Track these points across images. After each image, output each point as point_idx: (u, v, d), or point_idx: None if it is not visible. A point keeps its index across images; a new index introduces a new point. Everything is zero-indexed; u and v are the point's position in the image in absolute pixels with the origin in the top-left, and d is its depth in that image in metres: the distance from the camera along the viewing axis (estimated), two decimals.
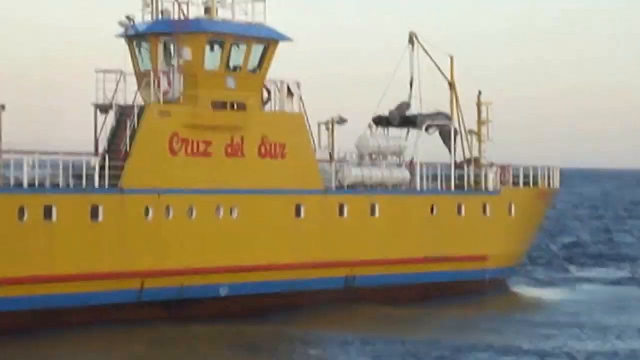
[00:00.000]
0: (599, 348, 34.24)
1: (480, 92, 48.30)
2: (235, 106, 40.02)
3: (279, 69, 40.01)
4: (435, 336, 34.20)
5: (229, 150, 39.73)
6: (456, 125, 47.36)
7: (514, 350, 33.39)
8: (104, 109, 37.87)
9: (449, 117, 47.33)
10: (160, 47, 39.65)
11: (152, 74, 37.86)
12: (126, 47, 38.56)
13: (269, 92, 42.72)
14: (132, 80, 37.75)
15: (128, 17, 37.29)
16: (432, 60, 50.90)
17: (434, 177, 49.60)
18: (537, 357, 32.17)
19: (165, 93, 37.16)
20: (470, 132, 47.88)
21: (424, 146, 48.51)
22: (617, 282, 61.08)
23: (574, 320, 41.51)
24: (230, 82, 39.30)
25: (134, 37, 39.25)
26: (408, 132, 50.39)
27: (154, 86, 37.05)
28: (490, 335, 37.40)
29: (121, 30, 38.98)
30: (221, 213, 39.35)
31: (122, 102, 36.92)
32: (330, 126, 41.99)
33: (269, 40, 41.56)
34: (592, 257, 78.09)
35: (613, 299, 50.77)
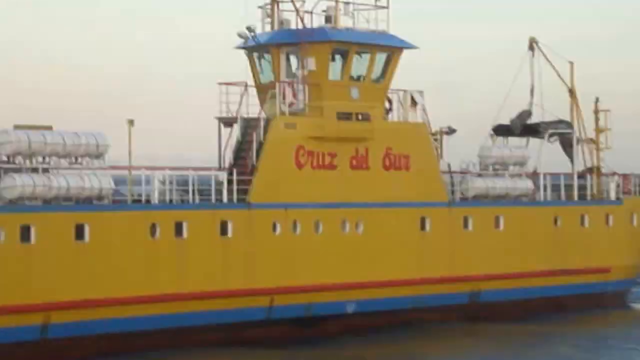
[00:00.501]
0: None
1: (597, 99, 46.36)
2: (360, 117, 39.30)
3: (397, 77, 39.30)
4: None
5: (354, 162, 39.07)
6: (577, 133, 45.81)
7: None
8: (228, 122, 37.64)
9: (570, 125, 46.11)
10: (283, 58, 39.04)
11: (276, 85, 36.89)
12: (246, 58, 38.31)
13: (390, 101, 41.49)
14: (252, 92, 37.38)
15: (249, 28, 36.03)
16: (553, 67, 49.46)
17: (554, 187, 48.24)
18: None
19: (290, 105, 36.38)
20: (589, 140, 46.13)
21: (545, 155, 47.17)
22: None
23: None
24: (354, 93, 38.65)
25: (255, 48, 38.35)
26: (528, 141, 49.12)
27: (279, 98, 36.25)
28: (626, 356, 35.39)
29: (240, 41, 38.18)
30: (347, 228, 38.59)
31: (242, 115, 36.74)
32: (439, 137, 40.92)
33: (393, 49, 40.78)
34: None
35: None
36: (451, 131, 44.48)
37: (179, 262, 33.57)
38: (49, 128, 31.31)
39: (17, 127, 30.83)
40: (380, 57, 39.80)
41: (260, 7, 39.07)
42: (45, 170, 30.04)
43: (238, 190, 35.73)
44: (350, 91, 38.60)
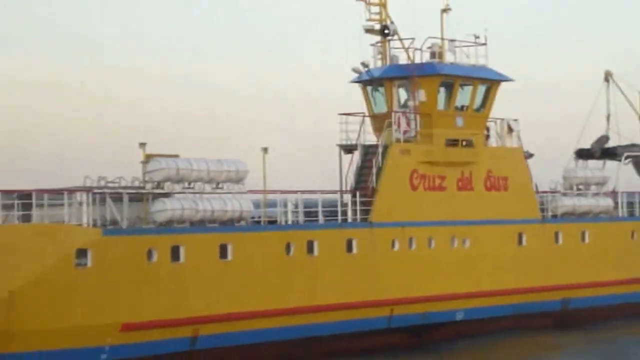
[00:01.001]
0: None
1: None
2: (465, 143, 37.18)
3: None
4: None
5: (460, 184, 37.00)
6: None
7: None
8: (348, 149, 35.34)
9: None
10: (395, 91, 36.65)
11: (392, 115, 34.47)
12: (360, 91, 36.29)
13: (488, 129, 39.36)
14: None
15: (363, 64, 34.48)
16: (626, 98, 46.74)
17: (629, 205, 46.29)
18: None
19: (404, 133, 34.23)
20: None
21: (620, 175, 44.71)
22: None
23: None
24: (459, 121, 36.61)
25: (369, 82, 36.05)
26: (604, 163, 46.59)
27: (394, 127, 34.11)
28: None
29: (355, 76, 36.13)
30: (455, 243, 36.48)
31: (361, 142, 34.56)
32: None
33: (492, 81, 38.55)
34: None
35: None
36: (529, 155, 41.53)
37: (310, 277, 31.60)
38: (176, 156, 29.13)
39: (148, 156, 28.40)
40: (481, 89, 37.44)
41: (372, 44, 36.46)
42: (191, 195, 28.39)
43: (360, 210, 33.86)
44: (456, 120, 36.54)
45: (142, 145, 28.93)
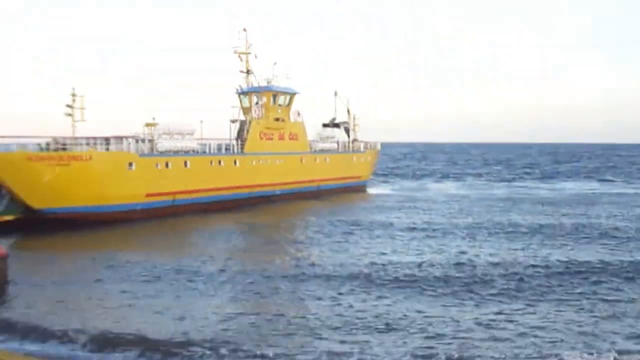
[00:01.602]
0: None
1: None
2: (276, 120, 46.94)
3: None
4: None
5: (279, 137, 46.81)
6: None
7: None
8: (233, 121, 45.27)
9: None
10: (253, 97, 45.96)
11: (252, 108, 45.55)
12: None
13: (297, 113, 48.91)
14: None
15: (239, 87, 45.27)
16: (344, 104, 57.03)
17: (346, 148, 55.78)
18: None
19: (257, 116, 44.85)
20: None
21: None
22: None
23: None
24: (279, 110, 47.03)
25: (242, 93, 46.67)
26: (333, 129, 56.14)
27: (253, 113, 44.91)
28: None
29: (236, 90, 46.59)
30: (276, 162, 45.66)
31: None
32: None
33: (292, 94, 47.74)
34: None
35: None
36: (329, 124, 54.00)
37: (218, 175, 40.52)
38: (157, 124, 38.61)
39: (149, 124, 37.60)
40: (287, 97, 47.90)
41: (243, 74, 47.09)
42: None
43: (240, 147, 43.20)
44: (277, 110, 47.15)
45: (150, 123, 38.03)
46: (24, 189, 31.52)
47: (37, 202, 31.83)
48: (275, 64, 48.21)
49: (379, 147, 60.78)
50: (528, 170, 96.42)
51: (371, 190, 58.07)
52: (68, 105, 36.64)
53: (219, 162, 41.36)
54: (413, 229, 32.82)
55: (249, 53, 46.12)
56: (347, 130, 56.23)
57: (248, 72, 45.87)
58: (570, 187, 64.68)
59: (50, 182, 32.02)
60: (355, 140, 57.13)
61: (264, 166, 44.82)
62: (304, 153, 50.17)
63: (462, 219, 36.53)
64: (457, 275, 21.12)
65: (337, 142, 55.46)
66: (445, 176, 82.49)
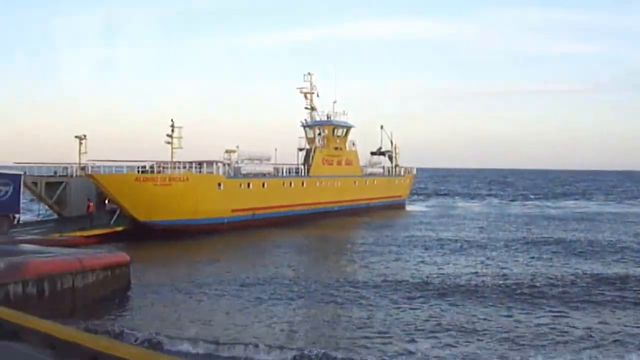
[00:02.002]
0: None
1: None
2: (339, 149, 46.57)
3: None
4: None
5: (337, 163, 46.04)
6: None
7: None
8: (300, 149, 45.02)
9: None
10: (316, 129, 45.59)
11: (316, 138, 45.24)
12: None
13: (353, 143, 48.18)
14: None
15: (305, 120, 45.19)
16: (388, 137, 56.32)
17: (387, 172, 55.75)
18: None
19: (321, 145, 45.29)
20: None
21: None
22: None
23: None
24: (337, 141, 46.62)
25: (307, 125, 46.43)
26: (379, 157, 55.92)
27: (317, 142, 45.49)
28: None
29: (301, 122, 46.14)
30: (336, 184, 45.22)
31: None
32: None
33: (348, 127, 48.01)
34: None
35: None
36: (378, 152, 54.18)
37: (292, 194, 40.09)
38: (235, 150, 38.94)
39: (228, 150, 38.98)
40: (344, 129, 46.88)
41: (308, 110, 46.90)
42: None
43: (306, 170, 42.54)
44: (336, 141, 46.99)
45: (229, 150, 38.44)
46: (131, 204, 32.20)
47: (142, 215, 32.43)
48: (335, 102, 47.27)
49: (414, 171, 61.76)
50: (524, 192, 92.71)
51: (409, 207, 58.14)
52: (168, 135, 36.39)
53: (290, 183, 41.92)
54: (456, 240, 31.63)
55: (313, 92, 45.87)
56: (390, 158, 57.39)
57: (312, 109, 45.95)
58: (572, 205, 63.89)
59: (154, 198, 32.53)
60: (397, 165, 57.93)
61: (325, 187, 45.23)
62: (357, 176, 50.47)
63: (497, 234, 35.22)
64: (507, 283, 19.45)
65: (383, 167, 56.62)
66: (464, 195, 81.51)
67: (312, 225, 39.50)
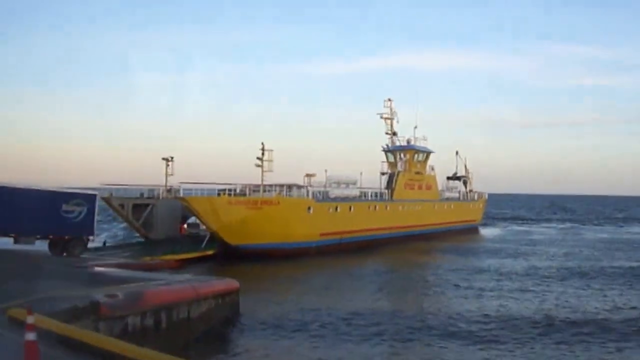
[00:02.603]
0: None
1: None
2: (419, 173, 44.23)
3: None
4: None
5: (417, 187, 43.26)
6: None
7: None
8: (383, 174, 41.78)
9: None
10: (397, 154, 42.93)
11: (397, 163, 42.05)
12: None
13: (431, 167, 45.55)
14: None
15: (387, 145, 42.16)
16: (462, 161, 53.90)
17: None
18: None
19: (404, 169, 41.76)
20: None
21: None
22: None
23: None
24: (418, 166, 43.81)
25: (387, 150, 43.49)
26: (455, 181, 53.37)
27: (399, 167, 41.59)
28: None
29: (382, 147, 43.12)
30: (416, 207, 42.20)
31: None
32: None
33: (428, 152, 44.62)
34: None
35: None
36: (453, 177, 51.64)
37: (375, 217, 36.80)
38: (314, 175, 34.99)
39: (308, 174, 34.10)
40: (424, 154, 44.29)
41: (388, 136, 43.57)
42: None
43: (389, 194, 39.55)
44: (417, 165, 43.23)
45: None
46: (222, 227, 29.16)
47: (233, 239, 29.38)
48: (415, 127, 44.21)
49: (486, 196, 58.26)
50: (588, 216, 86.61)
51: (482, 231, 53.47)
52: (258, 158, 33.47)
53: (375, 207, 38.15)
54: (550, 268, 27.86)
55: (393, 118, 42.86)
56: (465, 183, 54.61)
57: (394, 134, 43.09)
58: None
59: (245, 222, 29.46)
60: (471, 190, 54.87)
61: (407, 211, 41.64)
62: (436, 201, 47.07)
63: (588, 260, 31.15)
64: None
65: (459, 192, 53.21)
66: (530, 220, 76.20)
67: (397, 249, 35.59)
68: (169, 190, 34.46)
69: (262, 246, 29.85)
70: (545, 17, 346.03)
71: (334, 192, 35.54)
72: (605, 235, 49.25)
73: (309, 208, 32.46)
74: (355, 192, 37.46)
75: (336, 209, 34.44)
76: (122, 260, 22.59)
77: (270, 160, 33.35)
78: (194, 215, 31.04)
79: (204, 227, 30.30)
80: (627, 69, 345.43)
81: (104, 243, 30.59)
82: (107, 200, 32.55)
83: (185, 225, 31.49)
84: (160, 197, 34.32)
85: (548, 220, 76.25)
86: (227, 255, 28.83)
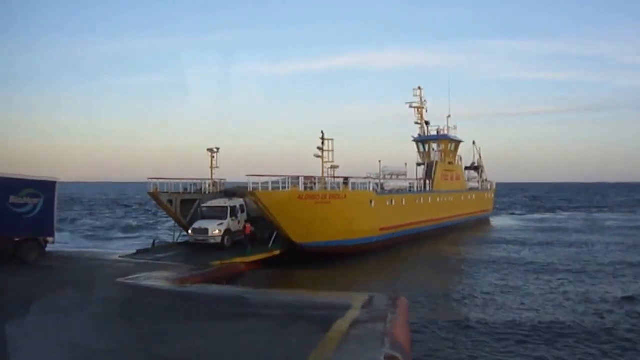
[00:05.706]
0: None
1: None
2: (452, 163, 43.50)
3: None
4: None
5: (453, 177, 42.80)
6: None
7: None
8: (419, 164, 41.44)
9: None
10: (430, 144, 42.49)
11: (431, 153, 41.82)
12: None
13: (460, 158, 45.11)
14: None
15: (419, 135, 41.12)
16: (478, 151, 53.20)
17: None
18: None
19: (440, 159, 41.27)
20: None
21: None
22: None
23: None
24: (450, 155, 43.67)
25: (419, 140, 42.83)
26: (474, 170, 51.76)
27: (435, 156, 40.96)
28: None
29: (413, 138, 42.23)
30: (449, 198, 41.21)
31: None
32: None
33: (458, 141, 44.67)
34: None
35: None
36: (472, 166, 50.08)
37: (417, 210, 35.46)
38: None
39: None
40: (454, 144, 44.26)
41: (419, 126, 42.50)
42: None
43: (429, 185, 37.98)
44: (450, 155, 43.18)
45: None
46: (290, 225, 26.64)
47: (299, 237, 26.96)
48: (449, 116, 43.45)
49: (494, 185, 57.47)
50: (586, 204, 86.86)
51: (494, 222, 51.88)
52: (319, 148, 31.29)
53: (420, 199, 36.92)
54: (581, 261, 27.03)
55: (423, 107, 41.65)
56: (480, 173, 54.13)
57: (427, 123, 41.94)
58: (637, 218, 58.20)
59: (312, 218, 27.16)
60: (485, 180, 54.50)
61: (443, 202, 40.60)
62: (464, 191, 46.22)
63: (618, 249, 31.04)
64: None
65: (478, 181, 52.51)
66: (538, 208, 76.12)
67: (436, 241, 34.83)
68: (214, 184, 31.29)
69: (327, 244, 27.68)
70: None
71: (389, 185, 34.26)
72: (623, 223, 48.75)
73: (371, 201, 30.69)
74: (406, 184, 36.71)
75: (392, 201, 33.06)
76: (205, 270, 20.38)
77: (331, 151, 31.37)
78: (262, 211, 27.80)
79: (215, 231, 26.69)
80: None
81: (154, 243, 28.34)
82: (154, 195, 29.22)
83: (190, 231, 27.56)
84: (207, 192, 30.97)
85: (561, 209, 73.66)
86: (293, 256, 26.38)
